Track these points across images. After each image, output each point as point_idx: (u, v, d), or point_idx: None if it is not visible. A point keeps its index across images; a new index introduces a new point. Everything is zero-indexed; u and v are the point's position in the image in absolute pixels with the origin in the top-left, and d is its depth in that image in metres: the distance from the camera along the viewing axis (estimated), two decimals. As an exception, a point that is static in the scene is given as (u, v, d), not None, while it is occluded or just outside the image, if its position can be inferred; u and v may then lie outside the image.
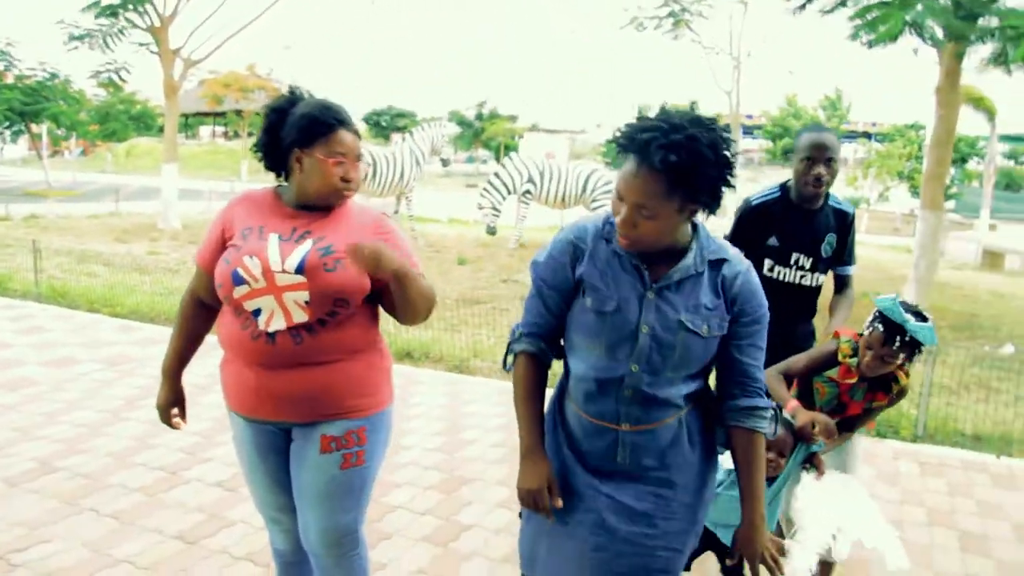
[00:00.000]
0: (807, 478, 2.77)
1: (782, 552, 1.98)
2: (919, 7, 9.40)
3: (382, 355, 2.42)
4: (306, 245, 2.20)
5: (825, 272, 3.42)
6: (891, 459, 5.04)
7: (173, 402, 2.54)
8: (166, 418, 2.55)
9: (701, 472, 2.06)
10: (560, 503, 1.98)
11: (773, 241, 3.34)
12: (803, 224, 3.33)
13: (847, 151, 46.85)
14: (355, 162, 2.27)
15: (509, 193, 16.51)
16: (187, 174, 19.16)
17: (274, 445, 2.38)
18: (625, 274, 1.91)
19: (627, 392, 1.92)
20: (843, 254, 3.45)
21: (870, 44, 10.27)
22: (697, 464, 2.04)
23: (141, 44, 17.86)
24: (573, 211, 18.10)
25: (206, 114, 54.57)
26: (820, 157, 3.17)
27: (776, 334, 3.01)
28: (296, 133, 2.23)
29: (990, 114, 26.39)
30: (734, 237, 3.44)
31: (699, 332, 1.88)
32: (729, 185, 1.81)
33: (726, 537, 2.64)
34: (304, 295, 2.16)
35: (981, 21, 9.55)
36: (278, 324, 2.18)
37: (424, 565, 3.41)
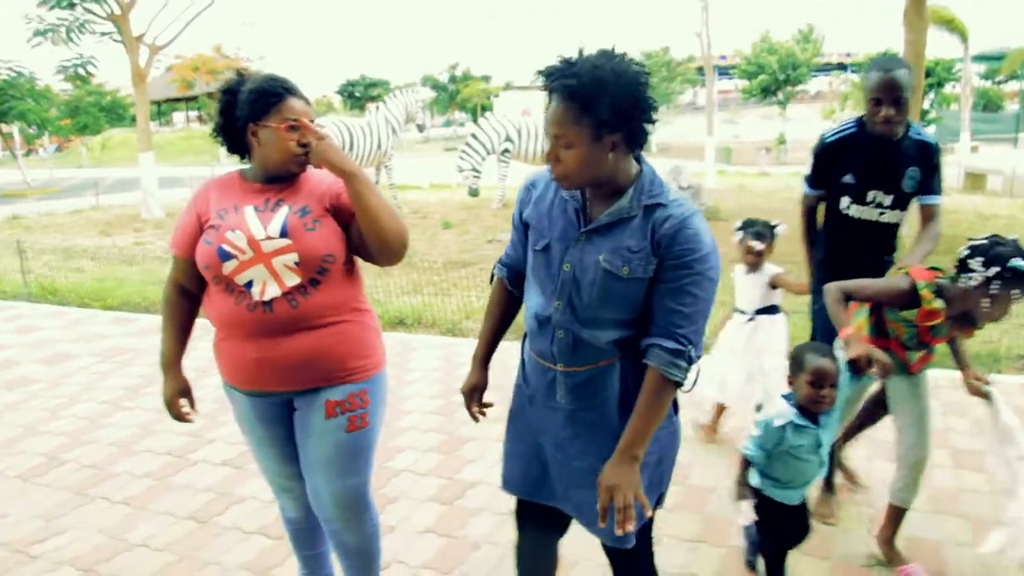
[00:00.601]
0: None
1: (629, 512, 1.88)
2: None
3: (371, 315, 2.48)
4: (283, 210, 2.26)
5: (906, 207, 3.33)
6: (951, 388, 5.03)
7: (179, 393, 2.57)
8: (175, 411, 2.58)
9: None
10: (477, 411, 2.42)
11: (849, 179, 3.30)
12: (881, 159, 3.24)
13: (821, 84, 46.72)
14: (308, 127, 2.28)
15: (488, 153, 16.50)
16: (165, 161, 19.05)
17: (278, 416, 2.44)
18: (565, 216, 2.01)
19: (559, 333, 2.01)
20: (929, 186, 3.29)
21: None
22: (621, 405, 2.04)
23: (104, 34, 17.66)
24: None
25: (178, 99, 54.11)
26: (887, 98, 3.07)
27: (856, 270, 3.04)
28: (248, 108, 2.28)
29: (962, 36, 26.33)
30: (812, 176, 3.48)
31: (617, 272, 1.90)
32: (644, 112, 1.84)
33: (793, 497, 2.71)
34: (293, 256, 2.21)
35: None
36: (272, 291, 2.22)
37: (432, 524, 3.51)
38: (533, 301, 2.10)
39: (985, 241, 2.69)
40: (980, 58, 32.94)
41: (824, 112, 36.66)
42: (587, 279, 1.93)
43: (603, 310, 1.95)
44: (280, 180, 2.34)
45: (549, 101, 1.88)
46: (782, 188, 20.50)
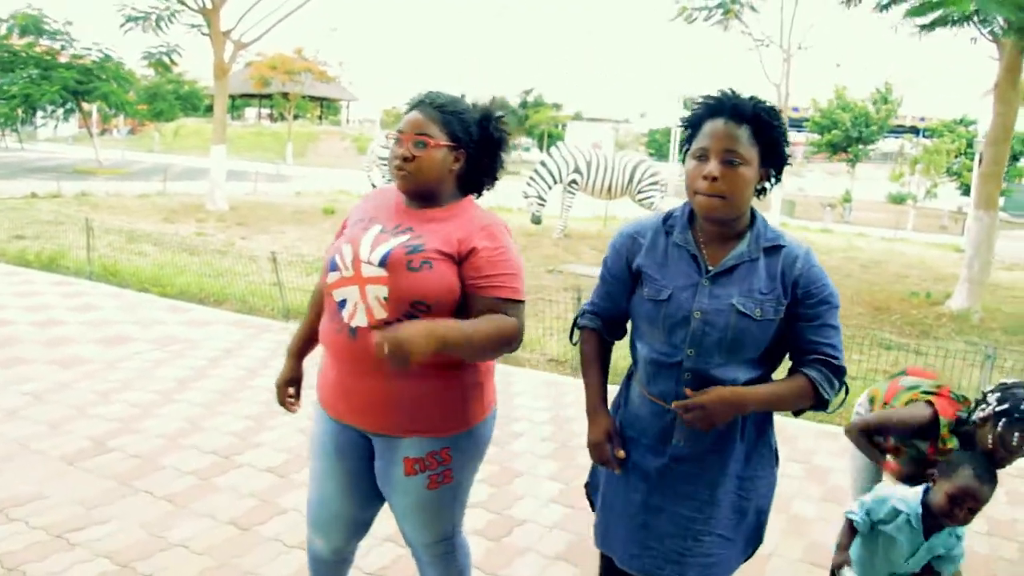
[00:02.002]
0: None
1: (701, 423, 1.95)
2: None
3: (475, 369, 2.24)
4: (398, 239, 2.12)
5: None
6: (946, 466, 4.92)
7: (290, 380, 2.52)
8: (282, 395, 2.53)
9: (755, 468, 2.10)
10: (622, 453, 2.13)
11: None
12: None
13: (894, 145, 46.05)
14: (408, 140, 2.14)
15: (555, 182, 16.45)
16: (234, 155, 19.38)
17: (355, 447, 2.30)
18: (682, 263, 2.02)
19: (686, 375, 1.99)
20: None
21: (928, 27, 10.03)
22: (740, 471, 2.07)
23: (193, 26, 18.05)
24: (619, 202, 18.02)
25: (252, 96, 55.09)
26: None
27: None
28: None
29: (1043, 111, 25.77)
30: None
31: (751, 315, 1.93)
32: (787, 157, 2.00)
33: None
34: (383, 290, 2.07)
35: None
36: (360, 319, 2.10)
37: (478, 560, 3.38)
38: (651, 347, 2.07)
39: (1015, 381, 2.61)
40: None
41: (893, 175, 36.08)
42: (719, 324, 1.94)
43: (735, 353, 1.97)
44: (426, 203, 2.21)
45: (712, 120, 1.93)
46: (845, 247, 20.16)
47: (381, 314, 2.09)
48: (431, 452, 2.19)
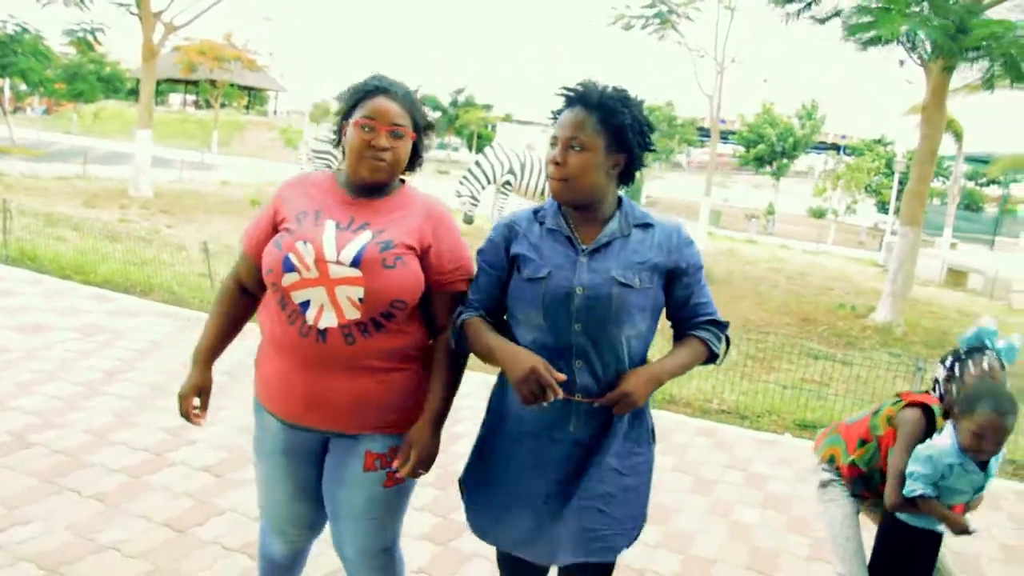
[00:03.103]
0: None
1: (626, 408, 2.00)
2: (917, 19, 9.42)
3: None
4: (364, 236, 2.02)
5: None
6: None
7: (197, 390, 2.29)
8: (186, 406, 2.28)
9: (632, 444, 2.12)
10: (562, 376, 1.92)
11: None
12: None
13: (818, 162, 47.43)
14: (384, 129, 2.04)
15: (489, 183, 16.41)
16: (156, 141, 18.71)
17: (309, 452, 2.22)
18: (557, 244, 2.06)
19: (578, 362, 2.01)
20: None
21: (864, 44, 10.30)
22: (625, 435, 2.09)
23: (120, 4, 17.40)
24: (551, 204, 18.06)
25: (178, 81, 53.60)
26: None
27: None
28: (344, 103, 2.12)
29: (957, 135, 26.88)
30: None
31: (631, 284, 2.00)
32: (646, 146, 2.07)
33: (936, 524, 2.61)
34: (359, 291, 1.99)
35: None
36: (328, 320, 2.01)
37: (425, 564, 3.32)
38: (534, 335, 2.05)
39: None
40: (969, 159, 33.55)
41: (816, 189, 37.12)
42: (603, 295, 1.98)
43: (619, 324, 2.00)
44: (373, 193, 2.12)
45: (568, 110, 2.02)
46: (769, 258, 20.64)
47: (353, 314, 2.01)
48: (393, 447, 2.13)
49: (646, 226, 2.09)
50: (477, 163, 16.57)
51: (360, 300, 1.99)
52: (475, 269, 2.18)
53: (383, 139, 2.04)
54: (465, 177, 16.48)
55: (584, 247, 2.04)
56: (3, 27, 27.16)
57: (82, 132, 45.04)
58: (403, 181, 2.23)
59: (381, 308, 2.01)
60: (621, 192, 2.15)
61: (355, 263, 1.99)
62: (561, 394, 1.91)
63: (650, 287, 2.03)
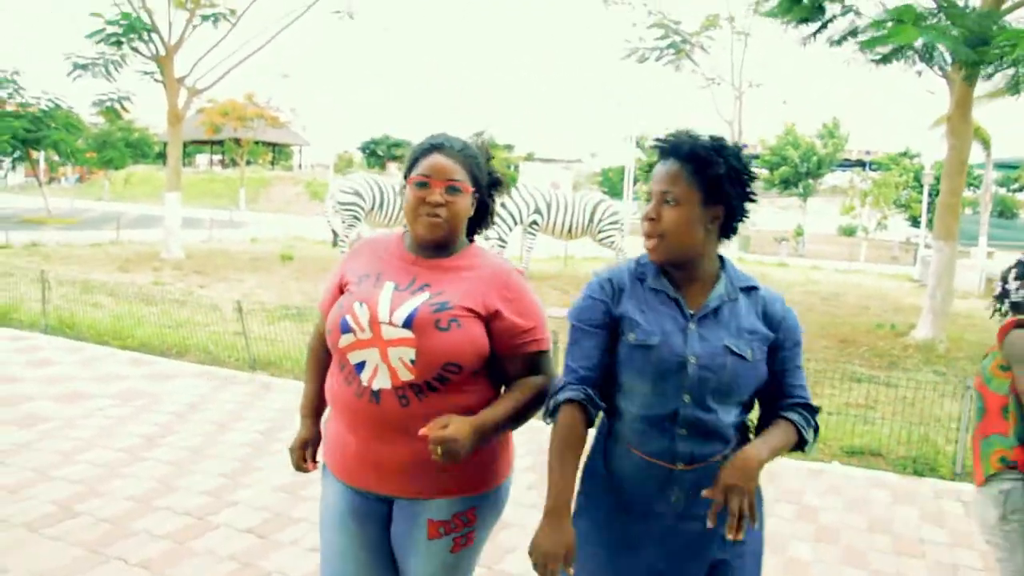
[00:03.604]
0: None
1: (753, 515, 1.80)
2: (932, 31, 9.34)
3: None
4: (420, 297, 2.01)
5: None
6: (933, 498, 4.92)
7: (305, 443, 2.32)
8: (299, 458, 2.32)
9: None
10: (572, 572, 1.83)
11: None
12: None
13: (843, 179, 47.15)
14: (439, 185, 2.03)
15: (516, 224, 16.43)
16: (185, 202, 19.07)
17: (375, 515, 2.16)
18: (664, 307, 1.94)
19: (681, 430, 1.89)
20: None
21: (880, 60, 10.23)
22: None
23: (145, 73, 17.82)
24: (579, 242, 18.06)
25: (203, 142, 54.69)
26: None
27: None
28: (405, 168, 2.13)
29: (985, 143, 26.56)
30: None
31: (745, 356, 1.90)
32: (746, 197, 1.95)
33: None
34: (410, 353, 1.96)
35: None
36: (382, 381, 1.99)
37: (474, 620, 3.25)
38: (639, 403, 1.93)
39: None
40: (998, 166, 33.13)
41: (844, 208, 36.80)
42: (716, 368, 1.88)
43: (728, 396, 1.91)
44: (438, 252, 2.10)
45: (661, 163, 1.94)
46: (803, 280, 20.42)
47: (407, 376, 1.98)
48: (457, 513, 2.08)
49: (750, 290, 1.99)
50: (503, 205, 16.58)
51: (412, 362, 1.97)
52: (547, 335, 2.10)
53: (437, 195, 2.03)
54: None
55: (692, 312, 1.93)
56: (37, 103, 27.98)
57: (114, 198, 46.01)
58: (472, 240, 2.21)
59: (434, 371, 1.97)
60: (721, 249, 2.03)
61: (407, 324, 1.97)
62: None
63: (761, 359, 1.94)
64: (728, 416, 1.92)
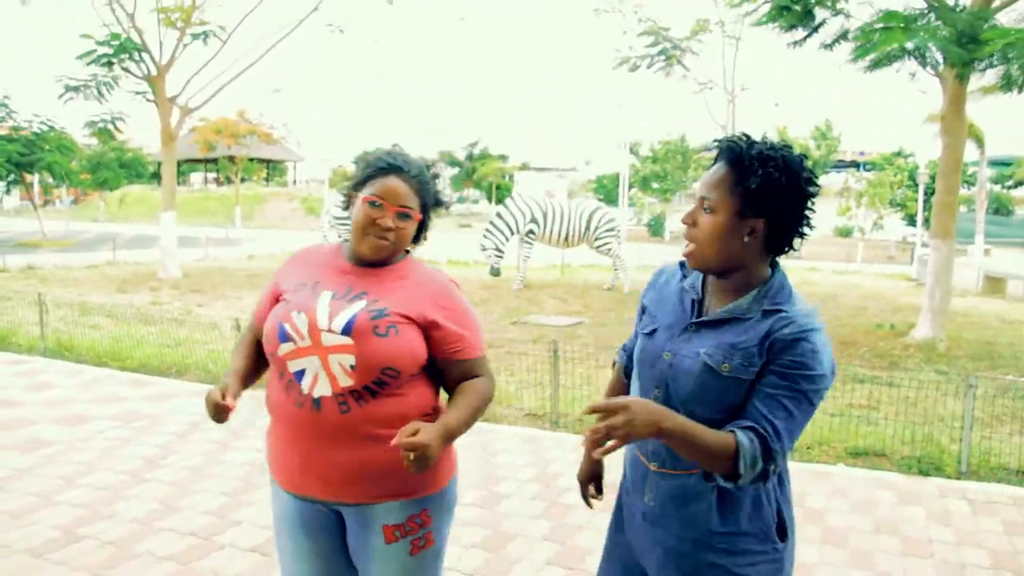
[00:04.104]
0: None
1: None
2: (921, 33, 9.35)
3: None
4: (358, 305, 2.06)
5: None
6: (938, 497, 4.91)
7: (221, 392, 2.08)
8: (212, 400, 2.07)
9: (752, 540, 1.84)
10: (592, 502, 2.22)
11: None
12: None
13: (837, 180, 47.23)
14: (392, 210, 2.08)
15: (512, 233, 16.43)
16: (181, 221, 19.07)
17: (324, 525, 2.17)
18: (681, 306, 1.94)
19: None
20: None
21: (871, 67, 10.24)
22: (726, 542, 1.83)
23: (137, 93, 17.81)
24: (576, 250, 18.06)
25: (197, 160, 54.69)
26: None
27: None
28: (356, 176, 2.17)
29: (979, 140, 26.63)
30: None
31: (715, 368, 1.77)
32: (798, 213, 1.79)
33: None
34: (350, 359, 2.00)
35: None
36: (323, 389, 2.01)
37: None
38: (633, 390, 2.02)
39: None
40: (992, 163, 33.23)
41: (840, 209, 36.83)
42: (682, 370, 1.83)
43: (698, 406, 1.79)
44: (375, 264, 2.15)
45: (714, 165, 1.85)
46: (800, 282, 20.41)
47: (347, 382, 2.01)
48: (411, 516, 2.11)
49: (775, 312, 1.78)
50: (499, 215, 16.62)
51: (352, 367, 2.00)
52: (480, 342, 2.20)
53: (389, 219, 2.09)
54: (488, 230, 16.53)
55: (701, 317, 1.88)
56: (29, 126, 28.01)
57: (109, 218, 46.00)
58: (407, 252, 2.27)
59: (373, 376, 2.01)
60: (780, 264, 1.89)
61: (346, 331, 2.01)
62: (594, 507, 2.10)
63: (743, 377, 1.75)
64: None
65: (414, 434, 1.88)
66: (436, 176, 2.25)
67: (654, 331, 1.94)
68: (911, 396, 6.86)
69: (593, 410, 1.61)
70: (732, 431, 1.70)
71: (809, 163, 1.82)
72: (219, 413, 2.07)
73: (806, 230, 1.82)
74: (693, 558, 1.85)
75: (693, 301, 1.92)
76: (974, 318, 13.89)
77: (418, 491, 2.11)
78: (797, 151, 1.80)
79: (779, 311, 1.77)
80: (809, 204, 1.80)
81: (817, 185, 1.81)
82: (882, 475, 5.31)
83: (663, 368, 1.87)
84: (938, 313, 10.65)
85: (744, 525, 1.83)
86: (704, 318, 1.87)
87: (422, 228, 2.23)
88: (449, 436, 2.01)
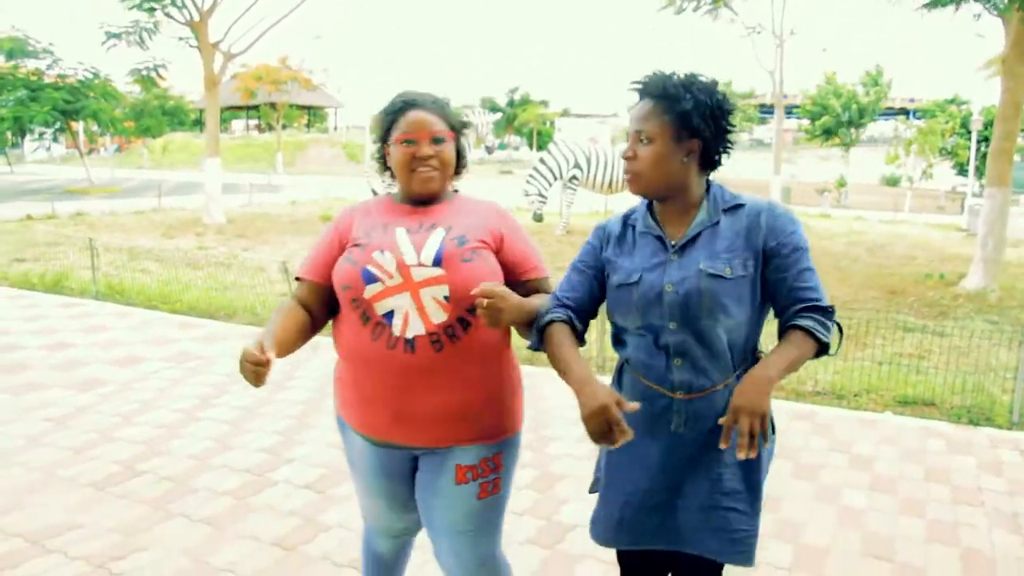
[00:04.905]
0: None
1: (765, 435, 1.79)
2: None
3: (514, 367, 2.25)
4: (438, 234, 2.05)
5: None
6: (990, 447, 4.85)
7: (259, 346, 1.91)
8: (247, 353, 1.89)
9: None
10: (635, 405, 1.82)
11: None
12: None
13: (887, 128, 46.15)
14: (426, 137, 2.08)
15: (556, 179, 16.35)
16: (223, 168, 19.20)
17: (402, 470, 2.21)
18: (647, 246, 2.01)
19: (677, 360, 1.95)
20: None
21: (930, 4, 9.92)
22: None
23: (180, 39, 17.85)
24: (619, 196, 17.92)
25: (239, 108, 54.91)
26: None
27: None
28: (380, 131, 2.16)
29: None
30: None
31: (721, 274, 1.90)
32: (723, 129, 1.95)
33: None
34: (444, 290, 2.00)
35: None
36: (416, 328, 2.00)
37: (536, 569, 3.28)
38: (633, 340, 2.03)
39: None
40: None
41: (888, 157, 36.03)
42: (694, 290, 1.91)
43: (713, 317, 1.91)
44: (431, 203, 2.16)
45: (638, 104, 1.98)
46: (846, 231, 20.10)
47: (440, 317, 2.01)
48: (484, 459, 2.11)
49: (736, 208, 1.99)
50: (542, 160, 16.50)
51: (446, 298, 2.00)
52: (543, 262, 2.24)
53: (426, 148, 2.08)
54: (531, 176, 16.44)
55: (673, 244, 1.97)
56: (74, 74, 28.26)
57: (153, 166, 46.54)
58: (456, 191, 2.27)
59: (467, 304, 2.01)
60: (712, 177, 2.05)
61: (436, 262, 2.01)
62: (631, 436, 1.79)
63: (745, 274, 1.92)
64: (720, 341, 1.93)
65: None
66: (446, 103, 2.23)
67: (640, 277, 1.97)
68: (961, 345, 6.77)
69: (727, 426, 1.80)
70: (791, 326, 1.91)
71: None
72: (258, 372, 1.88)
73: (731, 145, 2.00)
74: (719, 465, 1.96)
75: (658, 237, 2.01)
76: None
77: (495, 435, 2.13)
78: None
79: (738, 206, 1.99)
80: (731, 121, 1.98)
81: (732, 104, 1.99)
82: (931, 424, 5.26)
83: (672, 300, 1.92)
84: (990, 262, 10.43)
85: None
86: (681, 241, 1.97)
87: (459, 156, 2.22)
88: (522, 310, 1.96)
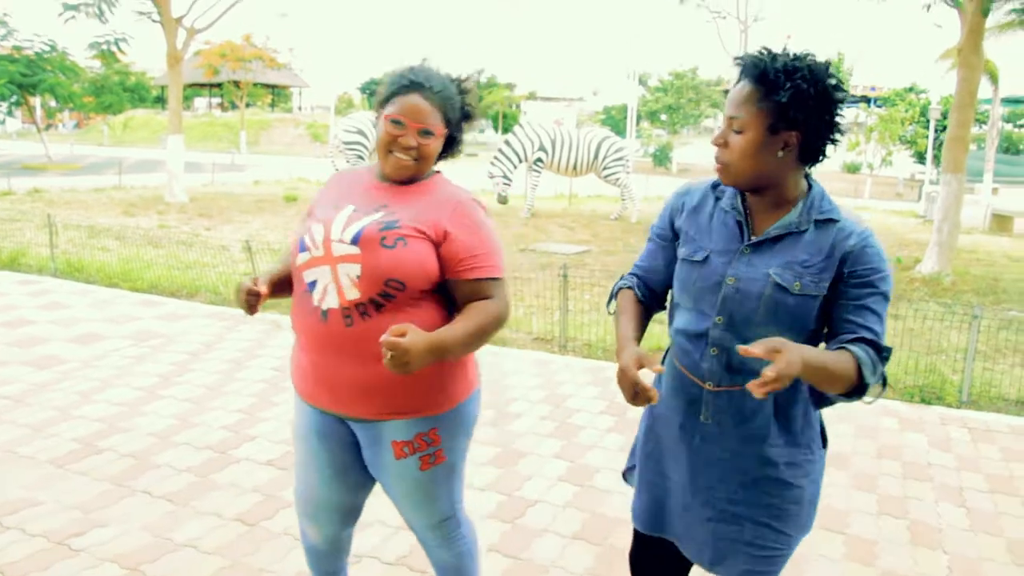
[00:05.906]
0: None
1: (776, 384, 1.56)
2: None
3: None
4: (371, 217, 2.06)
5: None
6: (939, 424, 4.99)
7: (254, 279, 2.18)
8: (242, 285, 2.16)
9: (805, 451, 1.94)
10: (660, 367, 1.78)
11: None
12: None
13: (848, 115, 46.59)
14: (414, 127, 2.06)
15: (520, 161, 16.33)
16: (186, 146, 18.90)
17: (336, 434, 2.22)
18: (725, 229, 1.91)
19: (712, 350, 1.89)
20: None
21: None
22: (784, 455, 1.91)
23: (141, 13, 17.50)
24: (584, 179, 17.97)
25: (202, 85, 53.99)
26: None
27: None
28: (380, 94, 2.15)
29: (993, 77, 26.17)
30: None
31: (788, 288, 1.80)
32: (828, 122, 1.77)
33: None
34: (356, 268, 2.01)
35: None
36: (331, 301, 2.03)
37: (495, 543, 3.33)
38: (683, 318, 1.98)
39: None
40: (1006, 101, 32.70)
41: (850, 144, 36.44)
42: (754, 293, 1.82)
43: (767, 328, 1.80)
44: (404, 183, 2.15)
45: (737, 84, 1.82)
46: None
47: (353, 294, 2.02)
48: (419, 434, 2.14)
49: (828, 222, 1.83)
50: (507, 142, 16.48)
51: (357, 277, 2.01)
52: (497, 262, 2.12)
53: (411, 138, 2.08)
54: (496, 158, 16.42)
55: (753, 237, 1.87)
56: (31, 46, 27.56)
57: (113, 143, 45.67)
58: (437, 171, 2.25)
59: (377, 288, 2.01)
60: (812, 175, 1.91)
61: (355, 241, 2.03)
62: (655, 398, 1.79)
63: (814, 294, 1.80)
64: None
65: (402, 335, 1.83)
66: (465, 91, 2.21)
67: (707, 257, 1.90)
68: (915, 328, 6.92)
69: (747, 352, 1.58)
70: (845, 347, 1.74)
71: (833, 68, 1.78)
72: (250, 300, 2.14)
73: (838, 136, 1.81)
74: (753, 472, 1.92)
75: (739, 223, 1.90)
76: (980, 255, 13.87)
77: (424, 410, 2.12)
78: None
79: (831, 221, 1.83)
80: (839, 110, 1.78)
81: (844, 91, 1.80)
82: (886, 403, 5.38)
83: (729, 293, 1.85)
84: (945, 248, 10.65)
85: (799, 437, 1.92)
86: (760, 238, 1.86)
87: (453, 143, 2.22)
88: (438, 349, 1.91)
